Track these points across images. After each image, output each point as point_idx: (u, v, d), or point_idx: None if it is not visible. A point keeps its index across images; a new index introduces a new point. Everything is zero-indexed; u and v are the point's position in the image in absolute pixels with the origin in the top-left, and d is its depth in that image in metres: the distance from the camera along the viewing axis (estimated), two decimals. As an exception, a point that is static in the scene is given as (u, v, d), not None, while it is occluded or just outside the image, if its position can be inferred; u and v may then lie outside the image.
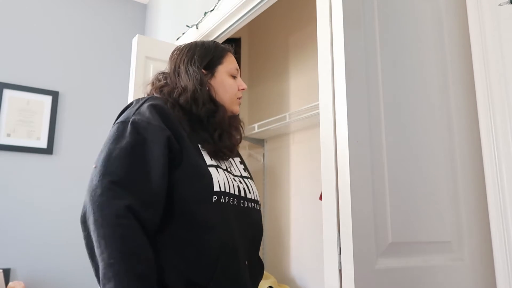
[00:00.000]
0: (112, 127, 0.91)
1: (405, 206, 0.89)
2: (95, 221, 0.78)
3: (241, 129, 1.12)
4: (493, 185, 0.94)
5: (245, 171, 1.07)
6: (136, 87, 1.94)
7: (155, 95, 1.04)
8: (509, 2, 0.96)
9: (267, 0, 1.63)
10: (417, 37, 1.03)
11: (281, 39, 2.76)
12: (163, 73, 1.11)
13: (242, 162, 1.10)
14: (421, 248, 0.90)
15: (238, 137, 1.09)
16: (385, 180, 0.87)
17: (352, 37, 0.88)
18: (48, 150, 2.60)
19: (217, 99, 1.04)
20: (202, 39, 2.08)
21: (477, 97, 1.01)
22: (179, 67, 1.07)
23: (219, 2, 1.88)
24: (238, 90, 1.09)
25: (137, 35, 1.98)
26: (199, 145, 0.95)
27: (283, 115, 2.42)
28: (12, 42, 2.61)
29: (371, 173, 0.84)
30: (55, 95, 2.68)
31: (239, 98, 1.09)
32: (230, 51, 1.12)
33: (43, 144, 2.59)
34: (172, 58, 1.12)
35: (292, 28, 2.65)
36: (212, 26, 1.96)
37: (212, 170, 0.91)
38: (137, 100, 0.98)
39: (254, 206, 1.00)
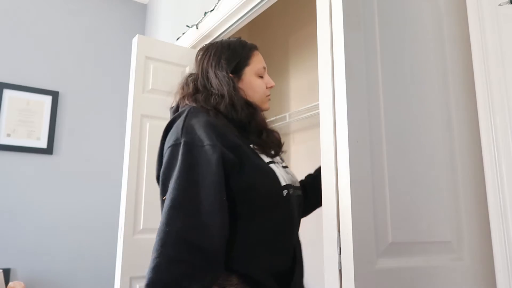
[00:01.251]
0: (166, 151, 0.90)
1: (405, 206, 0.89)
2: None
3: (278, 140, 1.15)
4: (493, 185, 0.94)
5: (282, 162, 1.10)
6: (136, 87, 1.94)
7: (188, 103, 1.01)
8: (509, 2, 0.96)
9: (267, 0, 1.63)
10: (417, 37, 1.03)
11: (281, 39, 2.76)
12: (191, 75, 1.09)
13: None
14: (421, 248, 0.90)
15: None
16: (385, 180, 0.87)
17: (352, 37, 0.88)
18: (48, 150, 2.60)
19: (247, 97, 1.04)
20: (202, 39, 2.09)
21: (477, 97, 1.01)
22: (207, 72, 1.04)
23: (219, 2, 1.88)
24: (266, 88, 1.09)
25: (137, 35, 1.98)
26: (251, 145, 0.98)
27: (283, 115, 2.42)
28: (12, 42, 2.60)
29: (371, 173, 0.84)
30: (55, 95, 2.68)
31: (267, 96, 1.09)
32: (257, 49, 1.12)
33: (43, 144, 2.59)
34: (199, 61, 1.09)
35: (292, 28, 2.65)
36: (212, 26, 1.96)
37: (272, 166, 0.96)
38: (178, 114, 0.96)
39: (300, 193, 1.05)
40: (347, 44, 0.86)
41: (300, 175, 2.61)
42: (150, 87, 1.98)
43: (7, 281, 2.34)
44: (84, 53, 2.83)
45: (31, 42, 2.66)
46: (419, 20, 1.04)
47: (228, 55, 1.06)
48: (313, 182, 1.19)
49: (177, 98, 1.08)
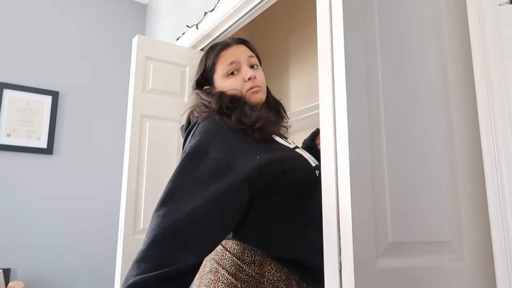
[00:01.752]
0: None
1: (405, 206, 0.89)
2: None
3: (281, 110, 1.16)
4: (493, 185, 0.94)
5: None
6: (136, 87, 1.94)
7: (197, 115, 1.03)
8: (509, 2, 0.96)
9: (267, 0, 1.63)
10: (417, 37, 1.03)
11: (281, 39, 2.76)
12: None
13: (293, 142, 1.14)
14: (421, 248, 0.90)
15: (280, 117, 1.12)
16: (385, 180, 0.87)
17: (352, 37, 0.88)
18: (48, 150, 2.60)
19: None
20: (202, 39, 2.09)
21: (477, 97, 1.01)
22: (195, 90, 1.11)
23: (219, 2, 1.88)
24: (245, 82, 1.04)
25: (137, 35, 1.98)
26: (273, 136, 0.98)
27: (283, 115, 2.41)
28: (12, 42, 2.61)
29: (371, 173, 0.84)
30: (55, 95, 2.68)
31: (251, 89, 1.04)
32: (225, 48, 1.09)
33: (43, 144, 2.59)
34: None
35: (292, 28, 2.65)
36: (212, 26, 1.96)
37: (298, 151, 0.96)
38: (196, 122, 0.99)
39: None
40: (347, 44, 0.86)
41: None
42: (150, 87, 1.98)
43: (7, 281, 2.34)
44: (84, 53, 2.83)
45: (31, 42, 2.66)
46: (419, 20, 1.04)
47: (198, 70, 1.12)
48: (310, 144, 1.27)
49: (186, 118, 1.09)
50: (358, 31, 0.89)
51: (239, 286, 0.85)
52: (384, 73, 0.93)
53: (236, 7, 1.75)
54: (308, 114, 2.21)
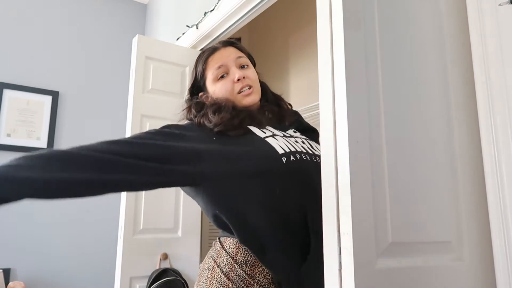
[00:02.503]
0: None
1: (405, 206, 0.89)
2: None
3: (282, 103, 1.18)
4: (493, 185, 0.94)
5: (302, 135, 1.09)
6: (136, 87, 1.94)
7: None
8: (509, 2, 0.96)
9: (267, 0, 1.63)
10: (417, 37, 1.03)
11: (281, 39, 2.76)
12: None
13: (296, 131, 1.13)
14: (421, 248, 0.90)
15: (278, 112, 1.13)
16: (385, 180, 0.87)
17: (352, 37, 0.88)
18: (48, 150, 2.60)
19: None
20: (202, 39, 2.09)
21: (477, 97, 1.01)
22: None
23: (219, 2, 1.88)
24: (234, 83, 1.05)
25: (137, 35, 1.98)
26: (248, 127, 0.99)
27: (283, 115, 2.41)
28: (12, 42, 2.60)
29: (371, 173, 0.84)
30: (55, 95, 2.68)
31: (241, 92, 1.05)
32: (212, 53, 1.10)
33: (43, 144, 2.59)
34: None
35: (292, 28, 2.65)
36: (212, 26, 1.96)
37: (269, 139, 0.95)
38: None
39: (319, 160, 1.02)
40: (347, 43, 0.86)
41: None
42: (150, 87, 1.98)
43: (7, 281, 2.34)
44: (84, 53, 2.83)
45: (31, 42, 2.66)
46: (419, 20, 1.04)
47: (190, 79, 1.17)
48: None
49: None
50: (358, 31, 0.89)
51: (231, 286, 0.85)
52: (384, 73, 0.93)
53: (236, 7, 1.75)
54: (308, 114, 2.21)
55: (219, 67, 1.06)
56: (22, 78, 2.59)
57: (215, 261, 0.91)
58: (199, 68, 1.11)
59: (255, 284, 0.84)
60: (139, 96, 1.93)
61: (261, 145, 0.94)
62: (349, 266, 0.77)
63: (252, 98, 1.06)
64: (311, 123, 2.35)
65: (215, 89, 1.06)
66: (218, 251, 0.92)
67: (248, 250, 0.88)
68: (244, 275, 0.85)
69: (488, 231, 0.96)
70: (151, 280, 1.77)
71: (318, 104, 0.95)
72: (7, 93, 2.52)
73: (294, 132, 1.11)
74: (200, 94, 1.12)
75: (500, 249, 0.91)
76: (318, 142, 1.11)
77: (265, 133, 0.99)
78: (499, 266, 0.91)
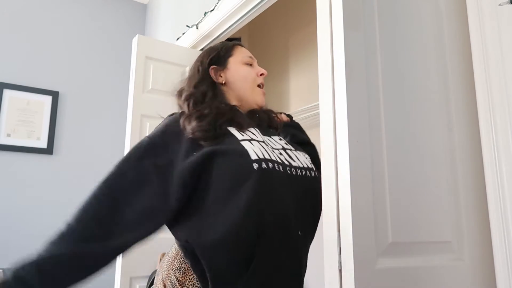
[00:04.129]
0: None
1: (405, 206, 0.89)
2: None
3: (272, 113, 1.13)
4: (493, 185, 0.94)
5: (287, 144, 1.05)
6: (136, 87, 1.94)
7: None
8: (509, 2, 0.96)
9: (267, 0, 1.63)
10: (417, 37, 1.03)
11: (281, 39, 2.76)
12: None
13: (282, 139, 1.09)
14: (421, 248, 0.90)
15: (267, 119, 1.10)
16: (385, 180, 0.87)
17: (352, 37, 0.88)
18: (48, 150, 2.60)
19: (237, 92, 1.04)
20: (202, 39, 2.09)
21: (477, 97, 1.01)
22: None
23: (219, 2, 1.88)
24: (258, 76, 1.07)
25: (137, 35, 1.98)
26: (227, 128, 0.94)
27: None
28: (12, 42, 2.60)
29: (371, 173, 0.84)
30: (55, 95, 2.68)
31: (260, 86, 1.07)
32: (238, 44, 1.12)
33: (43, 144, 2.59)
34: None
35: (292, 28, 2.65)
36: (212, 26, 1.96)
37: (244, 143, 0.89)
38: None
39: (305, 173, 0.97)
40: (347, 44, 0.86)
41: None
42: (150, 87, 1.98)
43: (7, 281, 2.34)
44: (84, 53, 2.83)
45: (31, 42, 2.66)
46: (419, 20, 1.04)
47: (207, 51, 1.10)
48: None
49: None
50: (358, 31, 0.89)
51: None
52: (384, 73, 0.93)
53: (236, 7, 1.75)
54: (308, 114, 2.21)
55: (250, 57, 1.09)
56: (22, 78, 2.59)
57: (160, 266, 0.91)
58: (226, 46, 1.10)
59: None
60: (139, 96, 1.93)
61: (236, 147, 0.88)
62: (349, 266, 0.77)
63: (264, 99, 1.09)
64: (311, 123, 2.36)
65: (239, 69, 1.06)
66: (165, 257, 0.92)
67: (184, 257, 0.84)
68: (176, 282, 0.83)
69: (488, 231, 0.96)
70: (151, 280, 1.77)
71: (318, 104, 0.95)
72: (7, 93, 2.52)
73: (280, 139, 1.07)
74: (212, 67, 1.06)
75: (500, 249, 0.91)
76: (311, 156, 1.07)
77: (242, 135, 0.93)
78: (499, 266, 0.91)
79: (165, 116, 1.06)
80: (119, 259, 1.82)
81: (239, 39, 3.18)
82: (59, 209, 2.60)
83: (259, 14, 1.78)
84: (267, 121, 1.09)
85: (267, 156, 0.88)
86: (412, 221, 0.89)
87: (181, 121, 0.94)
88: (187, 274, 0.83)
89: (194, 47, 2.17)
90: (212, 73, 1.05)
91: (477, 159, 1.01)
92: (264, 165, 0.85)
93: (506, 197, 0.92)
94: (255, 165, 0.84)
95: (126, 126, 1.94)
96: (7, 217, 2.44)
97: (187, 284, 0.83)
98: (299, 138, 1.21)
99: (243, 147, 0.87)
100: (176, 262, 0.85)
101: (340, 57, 0.86)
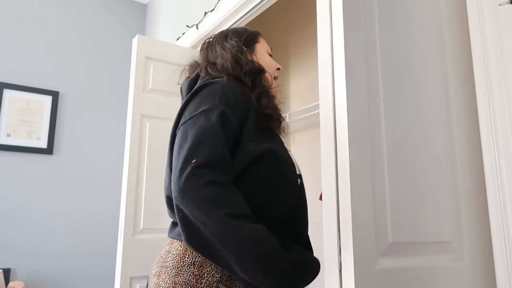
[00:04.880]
0: (198, 114, 0.85)
1: (405, 206, 0.89)
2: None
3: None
4: (493, 185, 0.94)
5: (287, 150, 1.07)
6: (136, 87, 1.94)
7: (212, 72, 0.99)
8: (509, 2, 0.96)
9: (267, 0, 1.63)
10: (417, 37, 1.03)
11: (281, 39, 2.76)
12: (195, 61, 1.09)
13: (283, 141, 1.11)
14: (421, 248, 0.90)
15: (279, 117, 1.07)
16: (385, 180, 0.87)
17: (352, 37, 0.88)
18: (48, 150, 2.60)
19: None
20: (202, 39, 2.09)
21: (477, 97, 1.01)
22: (215, 47, 1.04)
23: (219, 2, 1.88)
24: (276, 69, 1.09)
25: (137, 35, 1.98)
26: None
27: (283, 115, 2.41)
28: (12, 42, 2.61)
29: (371, 173, 0.84)
30: (55, 95, 2.68)
31: (276, 79, 1.10)
32: (261, 35, 1.13)
33: (43, 144, 2.59)
34: (205, 47, 1.09)
35: (292, 28, 2.65)
36: (212, 26, 1.96)
37: (290, 153, 0.93)
38: (213, 81, 0.92)
39: (302, 181, 0.99)
40: (347, 43, 0.86)
41: (300, 175, 2.57)
42: (150, 87, 1.98)
43: (7, 281, 2.34)
44: (84, 53, 2.83)
45: (31, 42, 2.66)
46: (419, 20, 1.04)
47: (236, 31, 1.08)
48: None
49: (192, 71, 1.05)
50: (358, 31, 0.89)
51: None
52: (384, 73, 0.93)
53: (236, 7, 1.75)
54: (308, 114, 2.21)
55: (271, 50, 1.12)
56: (22, 78, 2.59)
57: (161, 266, 0.87)
58: (253, 32, 1.10)
59: (203, 283, 0.80)
60: (139, 96, 1.93)
61: (286, 155, 0.91)
62: (349, 266, 0.77)
63: (275, 97, 1.08)
64: (311, 123, 2.36)
65: (265, 56, 1.07)
66: (164, 255, 0.89)
67: (195, 252, 0.84)
68: (191, 276, 0.82)
69: (488, 231, 0.96)
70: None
71: (318, 104, 0.95)
72: (7, 93, 2.52)
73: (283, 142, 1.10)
74: (245, 48, 1.04)
75: (500, 249, 0.91)
76: None
77: (283, 140, 0.97)
78: (499, 266, 0.91)
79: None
80: (119, 259, 1.82)
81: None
82: (59, 209, 2.60)
83: (259, 14, 1.78)
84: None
85: (299, 172, 0.93)
86: (412, 221, 0.89)
87: (256, 93, 0.93)
88: (204, 267, 0.82)
89: (194, 47, 2.17)
90: (249, 55, 1.04)
91: (477, 159, 1.01)
92: (300, 182, 0.91)
93: (506, 197, 0.91)
94: (299, 180, 0.90)
95: (126, 126, 1.94)
96: (7, 217, 2.44)
97: (206, 276, 0.81)
98: None
99: (291, 158, 0.91)
100: (188, 258, 0.83)
101: (340, 57, 0.86)
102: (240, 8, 1.75)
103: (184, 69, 1.08)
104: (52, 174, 2.60)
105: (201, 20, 2.06)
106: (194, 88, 0.92)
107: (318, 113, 1.67)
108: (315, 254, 0.99)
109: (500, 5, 0.98)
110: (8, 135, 2.50)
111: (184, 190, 0.76)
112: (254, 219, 0.77)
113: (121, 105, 2.87)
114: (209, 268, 0.81)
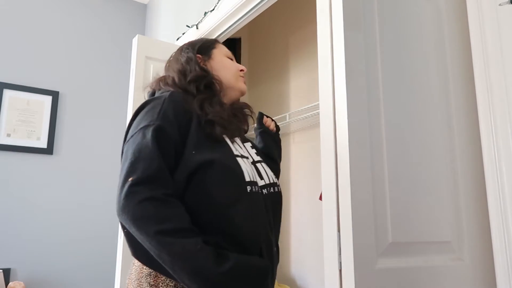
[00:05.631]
0: (137, 131, 0.88)
1: (405, 206, 0.89)
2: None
3: (247, 114, 1.11)
4: (493, 185, 0.94)
5: (257, 155, 1.05)
6: (136, 87, 1.94)
7: (163, 86, 1.03)
8: (509, 2, 0.96)
9: (267, 0, 1.63)
10: (417, 37, 1.03)
11: (281, 39, 2.76)
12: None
13: (253, 146, 1.09)
14: (421, 248, 0.90)
15: (244, 120, 1.08)
16: (385, 180, 0.87)
17: (352, 37, 0.88)
18: (48, 150, 2.60)
19: (221, 80, 1.04)
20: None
21: (477, 97, 1.01)
22: (171, 63, 1.11)
23: (219, 2, 1.88)
24: (239, 70, 1.10)
25: (137, 35, 1.98)
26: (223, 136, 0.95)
27: (283, 115, 2.42)
28: (12, 42, 2.61)
29: (371, 173, 0.84)
30: (55, 95, 2.68)
31: (241, 75, 1.10)
32: (220, 42, 1.16)
33: (43, 144, 2.59)
34: (166, 64, 1.15)
35: (292, 28, 2.65)
36: (212, 26, 1.96)
37: (240, 160, 0.91)
38: (157, 96, 0.95)
39: (271, 189, 0.98)
40: (347, 44, 0.86)
41: (300, 175, 2.59)
42: (150, 87, 1.98)
43: (7, 281, 2.34)
44: (84, 53, 2.83)
45: (31, 42, 2.66)
46: (419, 20, 1.04)
47: (191, 43, 1.11)
48: (262, 128, 1.29)
49: (152, 85, 1.09)
50: (358, 31, 0.89)
51: None
52: (384, 73, 0.93)
53: (236, 7, 1.75)
54: (308, 114, 2.21)
55: (231, 53, 1.14)
56: (22, 78, 2.59)
57: (128, 278, 0.91)
58: (209, 39, 1.15)
59: None
60: (139, 96, 1.92)
61: (232, 163, 0.89)
62: (349, 266, 0.77)
63: (244, 86, 1.10)
64: (311, 123, 2.36)
65: (223, 60, 1.09)
66: (131, 267, 0.92)
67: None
68: (148, 287, 0.84)
69: (488, 231, 0.96)
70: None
71: (318, 104, 0.95)
72: (7, 93, 2.52)
73: (252, 147, 1.07)
74: (198, 56, 1.07)
75: (500, 249, 0.91)
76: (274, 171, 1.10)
77: (235, 149, 0.94)
78: (499, 266, 0.91)
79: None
80: (119, 259, 1.81)
81: (239, 39, 3.17)
82: (59, 209, 2.60)
83: (259, 14, 1.78)
84: (243, 123, 1.08)
85: (253, 178, 0.91)
86: (412, 221, 0.89)
87: (198, 100, 0.94)
88: (158, 277, 0.84)
89: (194, 47, 2.17)
90: (202, 62, 1.07)
91: (477, 159, 1.01)
92: (253, 189, 0.89)
93: (506, 197, 0.92)
94: (249, 188, 0.87)
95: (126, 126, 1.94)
96: (7, 217, 2.44)
97: (161, 285, 0.84)
98: (270, 153, 1.24)
99: (238, 165, 0.89)
100: (145, 269, 0.86)
101: (340, 57, 0.86)
102: (240, 8, 1.75)
103: (147, 87, 1.11)
104: (52, 174, 2.60)
105: (201, 20, 2.06)
106: (138, 107, 0.95)
107: (318, 113, 1.67)
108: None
109: (500, 5, 0.98)
110: (8, 135, 2.50)
111: (123, 208, 0.79)
112: (191, 232, 0.78)
113: (121, 105, 2.87)
114: (163, 278, 0.84)
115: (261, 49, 2.99)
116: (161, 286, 0.84)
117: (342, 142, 0.83)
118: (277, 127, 1.34)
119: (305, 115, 2.23)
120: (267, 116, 1.34)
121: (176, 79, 1.01)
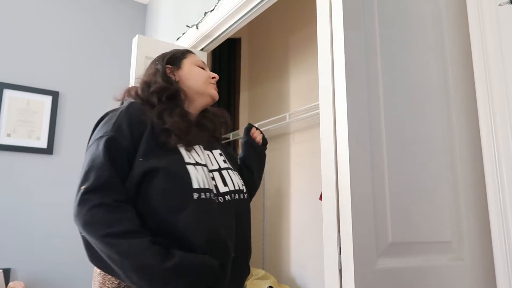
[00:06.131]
0: (93, 142, 0.96)
1: (405, 206, 0.89)
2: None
3: (219, 121, 1.15)
4: (493, 185, 0.94)
5: (225, 163, 1.06)
6: (136, 87, 1.94)
7: (127, 97, 1.11)
8: (509, 2, 0.96)
9: (267, 0, 1.63)
10: (417, 37, 1.03)
11: (281, 39, 2.76)
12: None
13: (222, 154, 1.10)
14: (421, 248, 0.90)
15: (212, 128, 1.12)
16: (385, 180, 0.87)
17: (352, 37, 0.88)
18: (48, 150, 2.60)
19: (190, 89, 1.08)
20: (202, 39, 2.09)
21: (477, 97, 1.01)
22: (144, 74, 1.15)
23: (219, 2, 1.88)
24: (210, 78, 1.12)
25: (137, 35, 1.98)
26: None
27: (283, 115, 2.42)
28: (12, 42, 2.61)
29: (371, 173, 0.84)
30: (55, 95, 2.68)
31: (212, 83, 1.13)
32: (190, 51, 1.18)
33: (43, 144, 2.59)
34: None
35: (292, 28, 2.65)
36: (212, 26, 1.96)
37: (189, 168, 0.92)
38: (117, 108, 1.03)
39: (235, 196, 1.00)
40: (347, 44, 0.86)
41: (300, 175, 2.59)
42: (150, 87, 1.98)
43: (7, 281, 2.34)
44: (84, 53, 2.83)
45: (31, 42, 2.66)
46: (419, 20, 1.04)
47: (161, 55, 1.15)
48: (248, 139, 1.29)
49: (120, 96, 1.15)
50: (358, 31, 0.89)
51: None
52: (384, 73, 0.93)
53: (236, 7, 1.75)
54: (308, 114, 2.21)
55: (202, 62, 1.16)
56: (22, 78, 2.59)
57: (93, 278, 0.98)
58: (180, 50, 1.17)
59: None
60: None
61: (179, 170, 0.91)
62: (349, 266, 0.77)
63: (216, 93, 1.12)
64: (311, 123, 2.37)
65: (193, 69, 1.11)
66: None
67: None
68: (99, 284, 0.92)
69: (488, 231, 0.96)
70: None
71: (318, 104, 0.95)
72: (7, 93, 2.52)
73: (220, 155, 1.08)
74: (167, 66, 1.11)
75: (500, 249, 0.91)
76: (245, 180, 1.12)
77: (189, 157, 0.95)
78: (499, 266, 0.91)
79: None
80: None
81: (239, 39, 3.17)
82: (59, 209, 2.60)
83: (259, 14, 1.78)
84: (212, 131, 1.12)
85: (207, 186, 0.92)
86: (412, 221, 0.89)
87: (157, 109, 0.98)
88: (106, 275, 0.91)
89: (194, 47, 2.17)
90: (167, 71, 1.10)
91: (477, 159, 1.01)
92: (202, 195, 0.90)
93: (506, 197, 0.92)
94: (196, 195, 0.89)
95: (126, 126, 1.94)
96: (7, 217, 2.44)
97: (107, 283, 0.90)
98: (248, 164, 1.25)
99: (188, 173, 0.91)
100: (98, 269, 0.93)
101: (340, 57, 0.86)
102: (240, 8, 1.75)
103: (115, 98, 1.17)
104: (52, 174, 2.60)
105: (201, 20, 2.06)
106: (99, 118, 1.02)
107: (318, 113, 1.67)
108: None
109: (500, 5, 0.98)
110: (8, 135, 2.50)
111: (76, 215, 0.85)
112: (140, 233, 0.83)
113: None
114: (110, 276, 0.90)
115: (261, 49, 2.99)
116: (108, 283, 0.90)
117: (342, 142, 0.83)
118: (264, 140, 1.34)
119: (305, 115, 2.23)
120: (257, 128, 1.34)
121: (139, 91, 1.07)
